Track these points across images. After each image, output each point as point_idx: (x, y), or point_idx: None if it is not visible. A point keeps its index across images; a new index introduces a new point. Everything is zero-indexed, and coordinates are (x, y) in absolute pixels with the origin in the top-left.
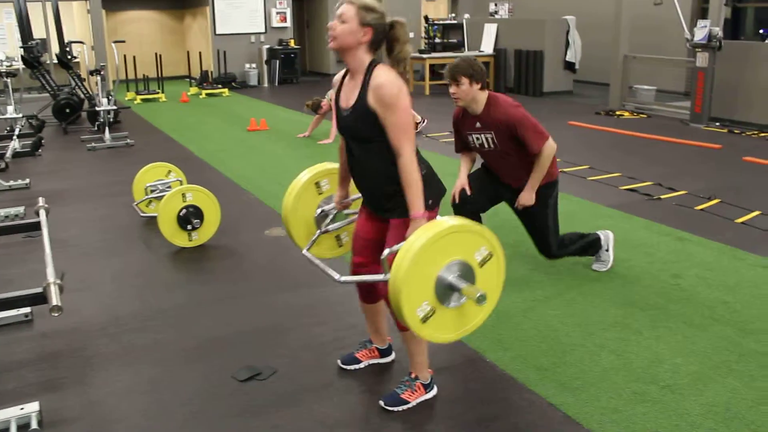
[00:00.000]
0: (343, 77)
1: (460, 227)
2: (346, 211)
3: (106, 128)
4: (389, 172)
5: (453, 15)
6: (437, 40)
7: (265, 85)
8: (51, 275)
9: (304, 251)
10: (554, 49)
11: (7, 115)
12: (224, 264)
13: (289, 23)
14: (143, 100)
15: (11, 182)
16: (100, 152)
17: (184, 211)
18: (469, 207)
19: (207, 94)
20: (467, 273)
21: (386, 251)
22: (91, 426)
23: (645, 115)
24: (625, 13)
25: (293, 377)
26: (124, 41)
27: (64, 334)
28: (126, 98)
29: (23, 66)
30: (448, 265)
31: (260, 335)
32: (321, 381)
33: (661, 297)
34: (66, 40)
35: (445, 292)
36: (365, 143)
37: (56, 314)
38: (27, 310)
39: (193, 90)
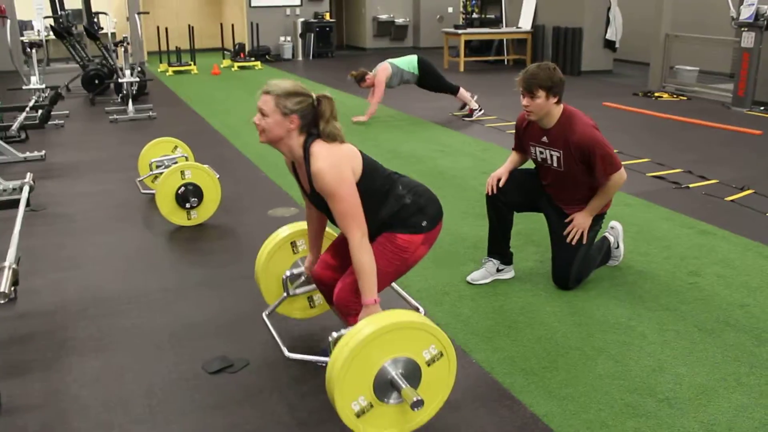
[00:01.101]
0: (292, 163)
1: (409, 324)
2: None
3: (130, 100)
4: (377, 221)
5: None
6: (474, 16)
7: (300, 58)
8: (9, 259)
9: (264, 314)
10: (594, 27)
11: (31, 86)
12: (220, 244)
13: None
14: (175, 72)
15: (27, 154)
16: (121, 124)
17: (182, 189)
18: (501, 200)
19: (239, 67)
20: (412, 371)
21: (333, 335)
22: (47, 416)
23: (685, 98)
24: None
25: (265, 371)
26: (147, 12)
27: (43, 316)
28: (159, 70)
29: (53, 36)
30: (391, 360)
31: (239, 323)
32: (293, 377)
33: (673, 297)
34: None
35: (385, 387)
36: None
37: (2, 301)
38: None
39: (226, 62)
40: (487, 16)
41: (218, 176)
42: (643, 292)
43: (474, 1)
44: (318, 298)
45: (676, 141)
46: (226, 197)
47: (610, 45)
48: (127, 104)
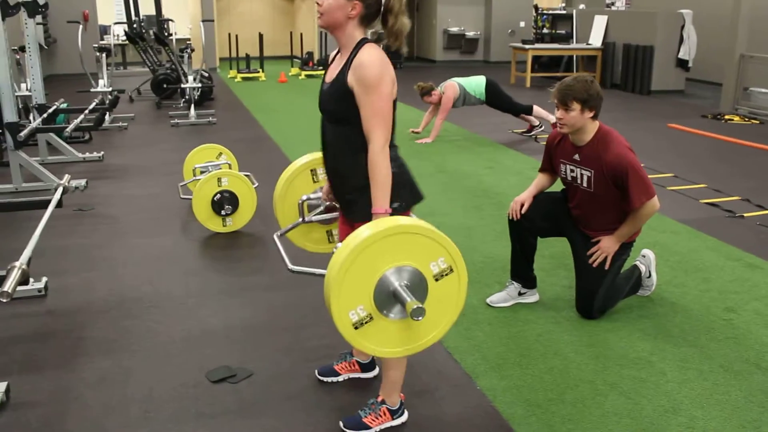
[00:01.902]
0: (336, 54)
1: (417, 228)
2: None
3: (192, 105)
4: (359, 162)
5: (563, 5)
6: (545, 31)
7: None
8: (21, 259)
9: (276, 235)
10: (666, 45)
11: (99, 89)
12: (249, 253)
13: None
14: (243, 78)
15: (87, 154)
16: (182, 128)
17: (218, 195)
18: (524, 225)
19: (306, 76)
20: (418, 284)
21: (339, 245)
22: (48, 413)
23: (758, 121)
24: (745, 8)
25: (266, 383)
26: (212, 20)
27: (68, 314)
28: (228, 76)
29: (125, 41)
30: (395, 269)
31: (251, 334)
32: (294, 390)
33: (703, 333)
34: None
35: (386, 299)
36: (338, 125)
37: (4, 300)
38: (41, 285)
39: (294, 71)
40: (558, 31)
41: (256, 185)
42: (671, 326)
43: (545, 17)
44: (337, 233)
45: (738, 167)
46: (266, 206)
47: (682, 64)
48: (189, 109)
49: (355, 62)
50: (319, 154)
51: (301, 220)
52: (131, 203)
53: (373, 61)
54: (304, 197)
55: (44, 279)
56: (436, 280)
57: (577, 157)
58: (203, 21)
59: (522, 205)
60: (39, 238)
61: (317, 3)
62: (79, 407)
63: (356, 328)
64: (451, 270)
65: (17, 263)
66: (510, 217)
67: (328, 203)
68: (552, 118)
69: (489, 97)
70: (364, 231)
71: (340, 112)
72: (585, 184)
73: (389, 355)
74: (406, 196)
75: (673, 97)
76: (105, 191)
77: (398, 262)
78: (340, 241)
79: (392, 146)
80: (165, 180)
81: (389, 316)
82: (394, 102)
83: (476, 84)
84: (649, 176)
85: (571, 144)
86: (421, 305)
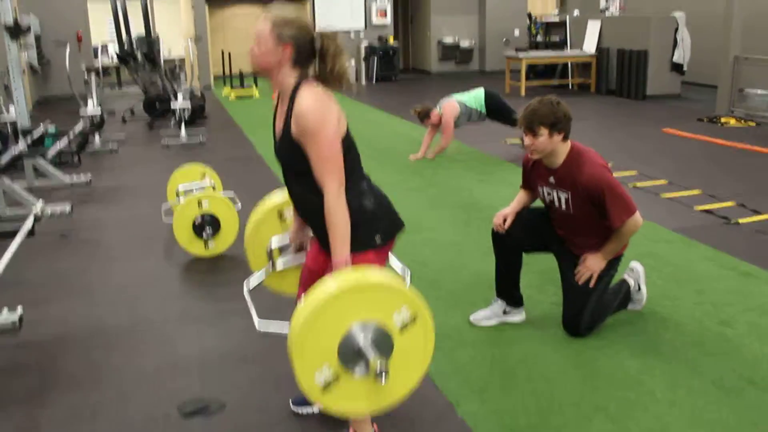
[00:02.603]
0: (278, 99)
1: (378, 281)
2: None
3: (182, 125)
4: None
5: (556, 12)
6: (539, 39)
7: (363, 82)
8: None
9: (245, 289)
10: (660, 49)
11: (88, 111)
12: (230, 277)
13: (388, 20)
14: (237, 96)
15: (74, 178)
16: (173, 149)
17: (199, 219)
18: (507, 241)
19: None
20: (382, 339)
21: (302, 300)
22: None
23: (754, 123)
24: (737, 8)
25: (239, 415)
26: (200, 38)
27: (40, 346)
28: (223, 94)
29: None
30: (359, 324)
31: (227, 363)
32: (267, 422)
33: (695, 348)
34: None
35: (352, 356)
36: (299, 176)
37: None
38: (15, 316)
39: None
40: (552, 39)
41: (239, 206)
42: (661, 341)
43: (539, 24)
44: None
45: (733, 170)
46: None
47: (677, 68)
48: (179, 129)
49: (295, 111)
50: (285, 193)
51: (271, 270)
52: (116, 227)
53: (309, 107)
54: (273, 245)
55: (19, 310)
56: (402, 332)
57: (552, 179)
58: (191, 38)
59: (505, 220)
60: (19, 266)
61: (250, 49)
62: None
63: (324, 390)
64: (415, 319)
65: None
66: (493, 229)
67: (297, 243)
68: None
69: (489, 110)
70: (324, 288)
71: (295, 164)
72: (563, 206)
73: (360, 414)
74: (385, 227)
75: (668, 101)
76: (90, 215)
77: (361, 316)
78: (308, 262)
79: (361, 178)
80: (151, 202)
81: (356, 374)
82: (348, 137)
83: (476, 98)
84: (642, 183)
85: (545, 166)
86: (385, 367)
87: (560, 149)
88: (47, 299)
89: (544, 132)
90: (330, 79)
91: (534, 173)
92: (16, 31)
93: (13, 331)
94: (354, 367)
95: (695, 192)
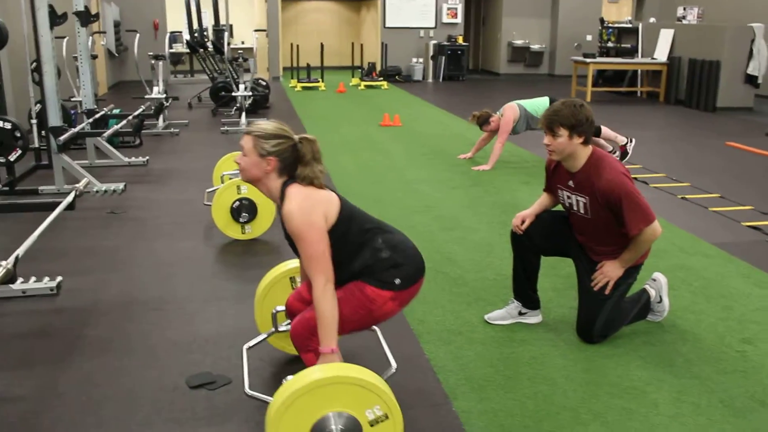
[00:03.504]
0: None
1: (353, 380)
2: None
3: (243, 113)
4: (344, 270)
5: (629, 18)
6: (610, 44)
7: (429, 80)
8: (9, 259)
9: (245, 348)
10: (734, 60)
11: (153, 95)
12: (261, 261)
13: (459, 19)
14: (303, 88)
15: (132, 158)
16: (231, 135)
17: (237, 203)
18: (525, 242)
19: (366, 86)
20: (352, 429)
21: (288, 378)
22: (28, 409)
23: None
24: None
25: (241, 393)
26: (264, 30)
27: (73, 313)
28: (290, 85)
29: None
30: (332, 414)
31: (240, 341)
32: (266, 400)
33: (711, 365)
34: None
35: None
36: None
37: None
38: (53, 283)
39: (354, 81)
40: (623, 45)
41: None
42: (677, 355)
43: (610, 30)
44: None
45: None
46: None
47: (751, 80)
48: (240, 116)
49: (282, 214)
50: (297, 261)
51: (273, 330)
52: (162, 207)
53: (292, 212)
54: (278, 308)
55: (59, 278)
56: (372, 426)
57: (571, 183)
58: (256, 30)
59: (523, 221)
60: (67, 238)
61: (237, 162)
62: (59, 405)
63: None
64: (387, 417)
65: (4, 263)
66: (512, 232)
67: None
68: (622, 138)
69: None
70: (303, 378)
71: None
72: (582, 211)
73: None
74: (406, 272)
75: (739, 114)
76: (141, 195)
77: (335, 407)
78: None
79: (376, 235)
80: (200, 185)
81: None
82: (344, 215)
83: (539, 105)
84: (692, 196)
85: (565, 170)
86: None
87: (580, 153)
88: (87, 270)
89: (563, 133)
90: (300, 179)
91: (555, 176)
92: (86, 17)
93: (51, 297)
94: None
95: (747, 208)
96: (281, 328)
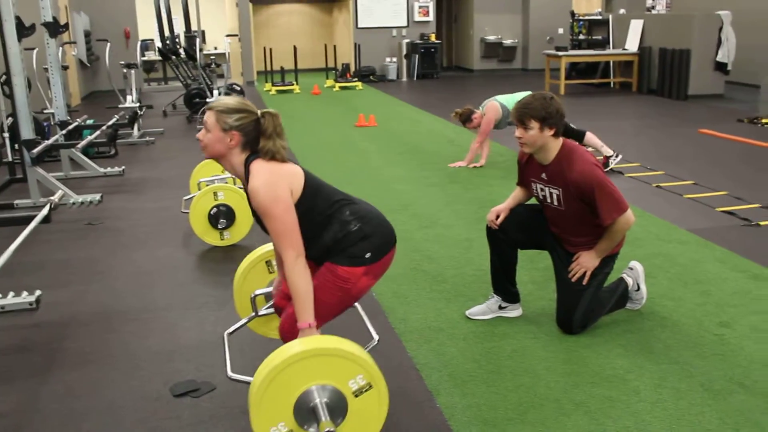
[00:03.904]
0: None
1: (333, 351)
2: None
3: None
4: (319, 243)
5: (599, 10)
6: (581, 37)
7: (404, 79)
8: None
9: (225, 333)
10: (703, 48)
11: (127, 104)
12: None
13: (431, 17)
14: (278, 91)
15: (108, 169)
16: None
17: (214, 209)
18: (501, 237)
19: (340, 87)
20: (336, 401)
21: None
22: (8, 425)
23: None
24: None
25: (225, 399)
26: (236, 35)
27: (52, 327)
28: (264, 89)
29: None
30: (315, 387)
31: (220, 348)
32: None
33: (689, 349)
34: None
35: (307, 415)
36: None
37: None
38: (32, 298)
39: (329, 82)
40: (594, 37)
41: None
42: (656, 341)
43: (581, 23)
44: None
45: (766, 173)
46: None
47: (721, 67)
48: None
49: (248, 189)
50: (272, 245)
51: (254, 314)
52: (140, 216)
53: (258, 188)
54: (257, 292)
55: (38, 292)
56: (356, 396)
57: (544, 175)
58: (228, 35)
59: (498, 216)
60: (44, 251)
61: (199, 138)
62: (39, 419)
63: None
64: (370, 386)
65: None
66: (488, 227)
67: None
68: (608, 150)
69: None
70: (285, 351)
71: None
72: (555, 203)
73: None
74: (376, 244)
75: (710, 101)
76: (118, 205)
77: (317, 380)
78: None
79: (343, 206)
80: (177, 193)
81: None
82: (309, 189)
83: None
84: (666, 183)
85: (537, 163)
86: (332, 430)
87: (551, 145)
88: (65, 283)
89: (534, 125)
90: (262, 153)
91: (528, 169)
92: (54, 28)
93: (31, 312)
94: (308, 427)
95: (721, 193)
96: (261, 312)
